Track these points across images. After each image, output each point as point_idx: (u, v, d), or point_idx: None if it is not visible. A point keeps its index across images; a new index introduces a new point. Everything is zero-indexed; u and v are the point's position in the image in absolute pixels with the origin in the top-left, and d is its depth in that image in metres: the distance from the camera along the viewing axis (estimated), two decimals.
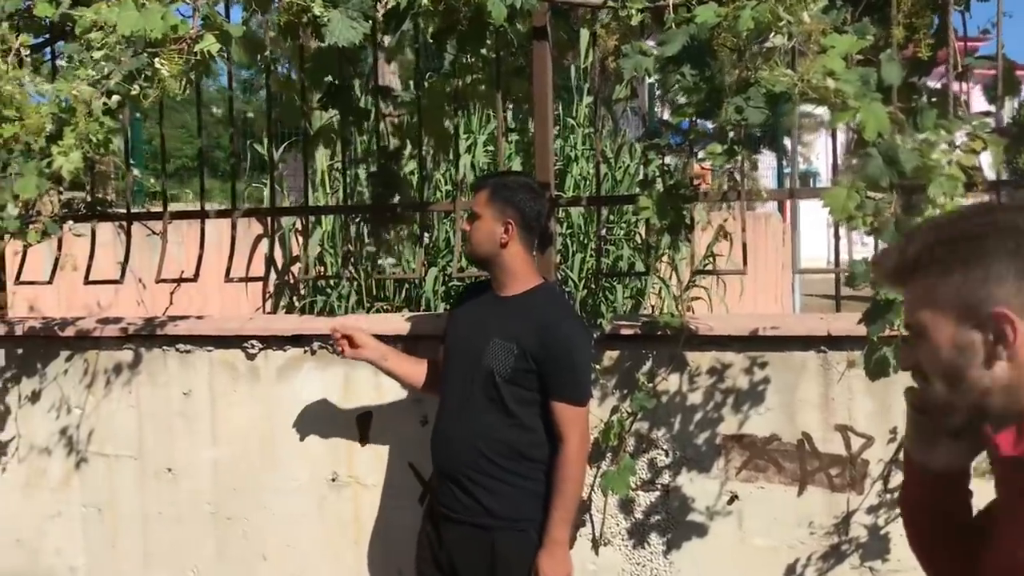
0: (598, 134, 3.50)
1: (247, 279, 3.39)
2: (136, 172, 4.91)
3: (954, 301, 1.21)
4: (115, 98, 2.62)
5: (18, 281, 3.60)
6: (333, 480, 3.22)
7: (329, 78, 3.29)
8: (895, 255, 1.30)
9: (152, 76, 2.95)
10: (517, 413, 2.57)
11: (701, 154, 2.66)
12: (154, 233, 3.54)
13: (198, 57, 3.00)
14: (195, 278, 3.35)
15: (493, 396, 2.58)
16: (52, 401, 3.46)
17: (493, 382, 2.58)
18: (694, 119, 2.62)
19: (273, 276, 4.90)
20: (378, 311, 5.38)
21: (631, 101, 6.90)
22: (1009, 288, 1.18)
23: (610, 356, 2.89)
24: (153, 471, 3.39)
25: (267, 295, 6.71)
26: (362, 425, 3.19)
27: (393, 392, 3.15)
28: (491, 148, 6.04)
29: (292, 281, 6.49)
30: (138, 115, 6.07)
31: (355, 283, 5.94)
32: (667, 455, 2.89)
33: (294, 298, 6.57)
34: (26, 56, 3.14)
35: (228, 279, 3.32)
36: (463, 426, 2.61)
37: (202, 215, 3.37)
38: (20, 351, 3.49)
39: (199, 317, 3.40)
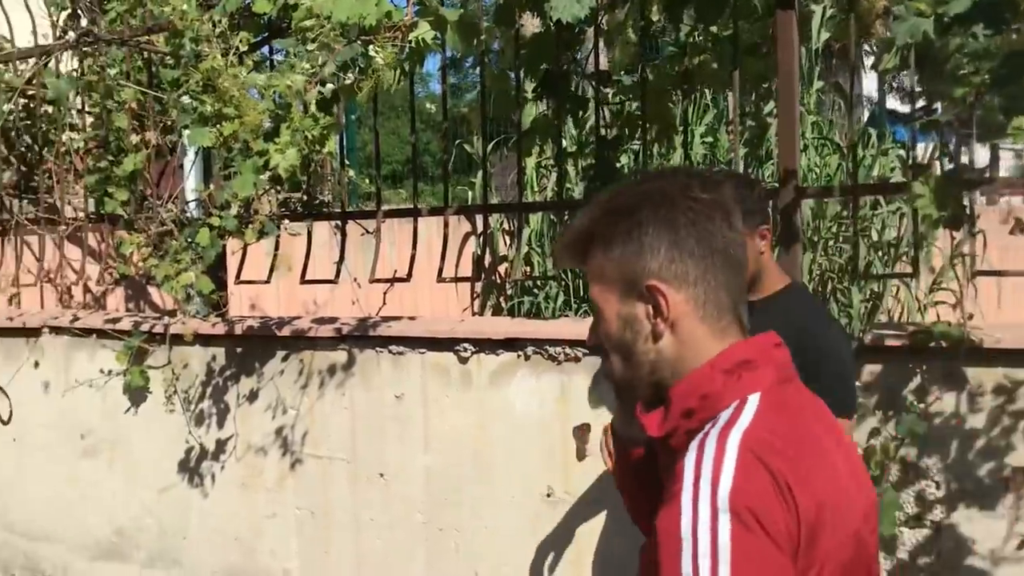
0: (846, 118, 3.10)
1: (457, 279, 3.22)
2: (351, 172, 4.91)
3: (616, 275, 1.20)
4: (328, 87, 2.49)
5: (238, 280, 3.62)
6: (548, 496, 2.99)
7: (545, 65, 3.09)
8: (569, 232, 1.28)
9: (366, 66, 2.83)
10: None
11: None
12: (368, 232, 3.46)
13: (412, 45, 2.85)
14: (408, 278, 3.22)
15: None
16: (269, 401, 3.44)
17: None
18: (981, 91, 2.20)
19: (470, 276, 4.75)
20: (586, 313, 5.15)
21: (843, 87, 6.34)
22: (662, 259, 1.17)
23: (871, 371, 2.49)
24: (366, 476, 3.29)
25: (474, 295, 6.64)
26: (580, 438, 2.95)
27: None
28: (708, 140, 5.68)
29: (500, 281, 6.37)
30: (353, 116, 6.14)
31: (563, 284, 5.74)
32: (939, 487, 2.47)
33: (501, 299, 6.46)
34: (244, 54, 3.11)
35: (440, 279, 3.17)
36: None
37: (415, 212, 3.25)
38: (239, 350, 3.49)
39: (411, 318, 3.27)
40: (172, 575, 3.70)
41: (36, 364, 3.97)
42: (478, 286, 6.41)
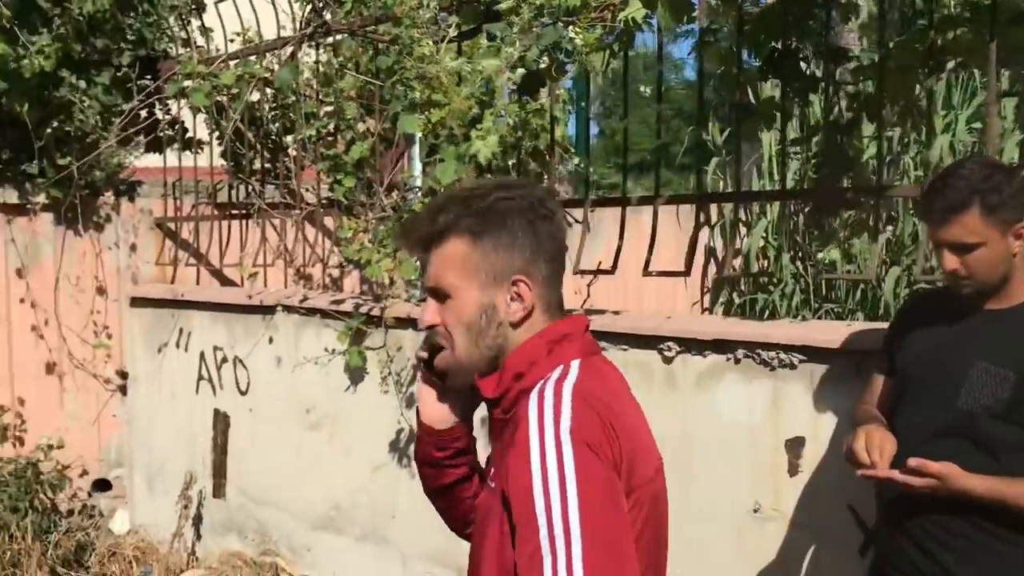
0: None
1: (666, 273, 3.03)
2: (575, 160, 4.82)
3: (483, 266, 1.40)
4: (518, 71, 2.40)
5: None
6: (755, 511, 2.75)
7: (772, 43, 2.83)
8: (426, 223, 1.44)
9: (572, 49, 2.71)
10: (1008, 461, 1.96)
11: None
12: (577, 222, 3.34)
13: (622, 26, 2.69)
14: (612, 270, 3.07)
15: (974, 436, 2.00)
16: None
17: (974, 419, 1.99)
18: None
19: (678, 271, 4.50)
20: (826, 314, 4.76)
21: None
22: (527, 259, 1.41)
23: None
24: None
25: (704, 290, 6.35)
26: (793, 451, 2.69)
27: (833, 415, 2.61)
28: (976, 126, 5.07)
29: (732, 276, 6.06)
30: (582, 104, 6.04)
31: (801, 280, 5.35)
32: None
33: (734, 294, 6.14)
34: (456, 39, 3.08)
35: (647, 272, 2.99)
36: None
37: (623, 202, 3.09)
38: None
39: (616, 312, 3.12)
40: (380, 552, 3.80)
41: (270, 340, 4.20)
42: (709, 281, 6.13)
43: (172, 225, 4.97)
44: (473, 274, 1.41)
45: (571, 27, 2.49)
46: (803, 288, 5.47)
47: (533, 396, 1.36)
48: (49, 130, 4.46)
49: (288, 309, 4.10)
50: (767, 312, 5.68)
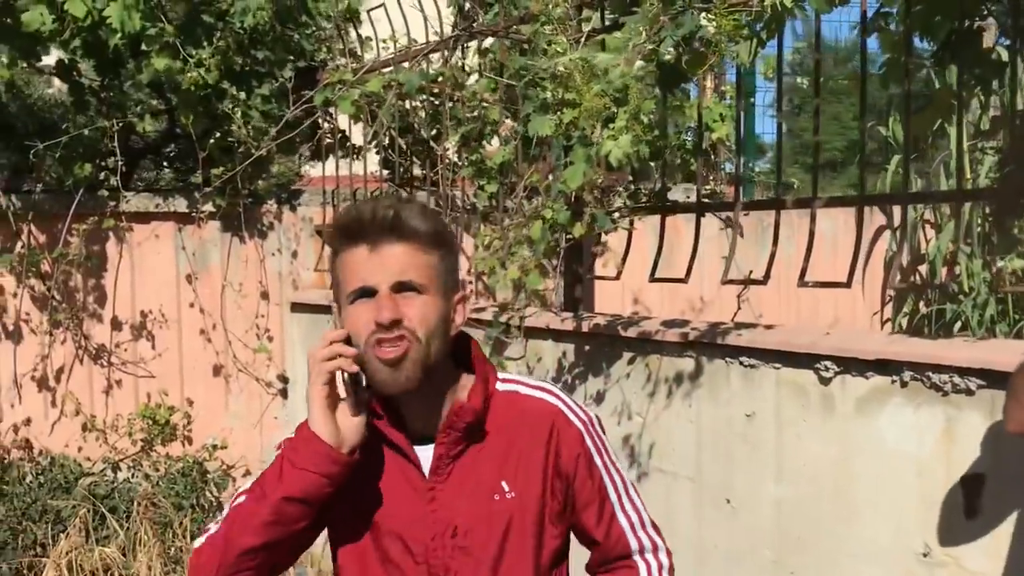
0: None
1: (824, 284, 2.72)
2: (731, 157, 4.54)
3: (444, 275, 1.48)
4: (638, 64, 2.20)
5: (591, 275, 3.45)
6: (925, 555, 2.42)
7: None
8: (420, 218, 1.46)
9: (711, 40, 2.48)
10: None
11: None
12: (728, 226, 3.09)
13: (769, 11, 2.43)
14: (764, 280, 2.80)
15: None
16: (615, 404, 3.23)
17: None
18: None
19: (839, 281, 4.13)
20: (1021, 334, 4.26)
21: None
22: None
23: None
24: (711, 498, 2.95)
25: (886, 299, 5.87)
26: (970, 490, 2.34)
27: (1019, 450, 2.25)
28: None
29: (915, 285, 5.57)
30: (752, 100, 5.71)
31: (996, 290, 4.82)
32: None
33: (921, 304, 5.64)
34: (593, 35, 2.90)
35: (802, 283, 2.71)
36: None
37: (777, 205, 2.81)
38: (587, 348, 3.33)
39: (768, 327, 2.85)
40: None
41: None
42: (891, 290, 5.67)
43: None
44: (440, 281, 1.48)
45: (706, 15, 2.26)
46: (1001, 298, 4.94)
47: (546, 395, 1.56)
48: (212, 141, 4.61)
49: None
50: (958, 325, 5.17)
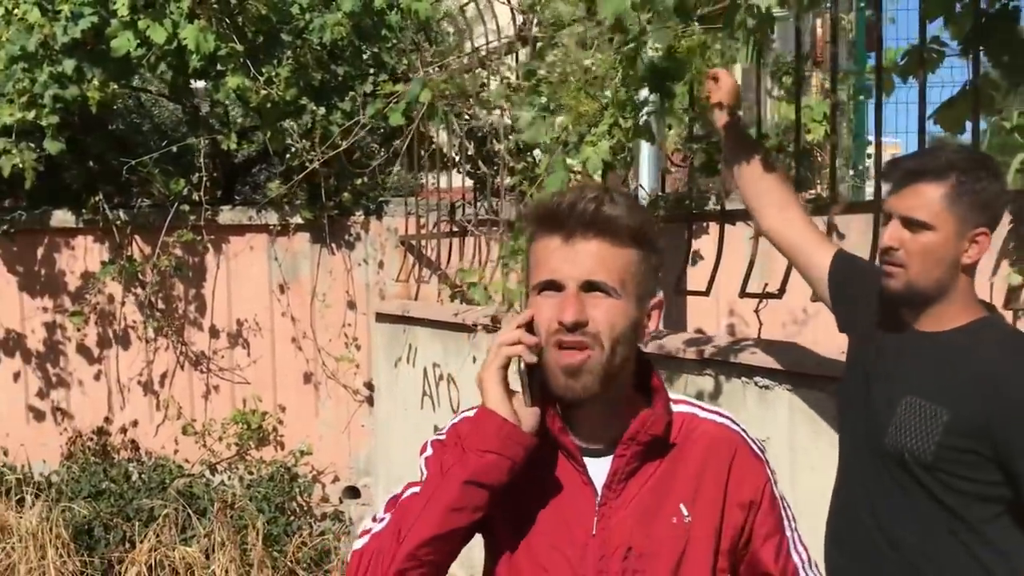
0: None
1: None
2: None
3: (645, 279, 1.35)
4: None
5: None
6: None
7: None
8: (625, 212, 1.32)
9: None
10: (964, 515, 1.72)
11: None
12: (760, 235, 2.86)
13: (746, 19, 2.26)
14: (780, 293, 2.58)
15: (911, 488, 1.76)
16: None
17: (906, 467, 1.76)
18: None
19: None
20: None
21: None
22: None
23: None
24: None
25: None
26: None
27: None
28: None
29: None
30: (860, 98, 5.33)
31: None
32: None
33: None
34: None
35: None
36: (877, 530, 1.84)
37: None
38: None
39: (786, 344, 2.62)
40: None
41: (474, 359, 4.11)
42: None
43: (414, 242, 5.09)
44: (636, 283, 1.37)
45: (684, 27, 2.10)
46: None
47: (726, 421, 1.46)
48: (288, 155, 4.74)
49: (487, 328, 3.98)
50: None
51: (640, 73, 2.34)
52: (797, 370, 2.43)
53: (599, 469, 1.38)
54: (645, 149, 4.06)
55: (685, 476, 1.38)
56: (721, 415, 1.46)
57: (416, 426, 4.69)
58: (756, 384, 2.60)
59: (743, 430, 1.45)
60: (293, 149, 4.51)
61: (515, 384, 1.37)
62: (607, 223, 1.30)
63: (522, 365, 1.34)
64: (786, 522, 1.47)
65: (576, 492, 1.38)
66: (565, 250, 1.30)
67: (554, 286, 1.31)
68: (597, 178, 2.40)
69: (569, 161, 2.49)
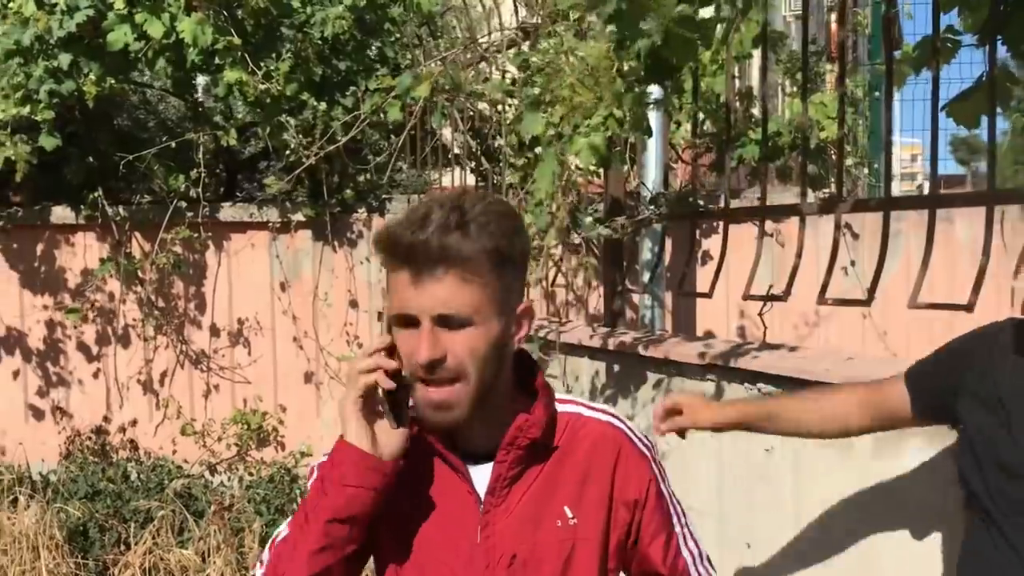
0: None
1: (937, 306, 2.21)
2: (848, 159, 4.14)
3: (507, 295, 1.32)
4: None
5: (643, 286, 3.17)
6: None
7: None
8: (477, 235, 1.27)
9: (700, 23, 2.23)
10: None
11: None
12: (767, 234, 2.74)
13: None
14: (784, 296, 2.46)
15: None
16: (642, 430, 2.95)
17: None
18: None
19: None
20: None
21: None
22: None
23: None
24: (731, 540, 2.63)
25: None
26: None
27: None
28: None
29: None
30: (877, 93, 5.20)
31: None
32: None
33: None
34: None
35: (822, 300, 2.35)
36: None
37: (889, 205, 2.44)
38: (616, 367, 3.06)
39: (792, 348, 2.50)
40: None
41: None
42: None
43: None
44: (492, 301, 1.32)
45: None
46: None
47: (611, 419, 1.44)
48: (287, 151, 4.64)
49: None
50: None
51: (631, 58, 2.23)
52: (801, 376, 2.31)
53: (483, 476, 1.37)
54: (652, 144, 3.97)
55: (570, 478, 1.38)
56: (606, 412, 1.45)
57: None
58: (759, 390, 2.48)
59: (628, 427, 1.45)
60: (292, 145, 4.42)
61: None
62: (456, 257, 1.25)
63: (380, 392, 1.32)
64: (675, 518, 1.48)
65: (461, 502, 1.37)
66: (414, 286, 1.26)
67: (409, 320, 1.28)
68: (591, 170, 2.29)
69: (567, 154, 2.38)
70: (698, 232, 4.34)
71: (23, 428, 5.17)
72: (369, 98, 4.17)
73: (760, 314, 2.53)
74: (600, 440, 1.41)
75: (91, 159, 5.11)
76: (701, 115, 3.99)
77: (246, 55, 4.20)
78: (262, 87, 4.26)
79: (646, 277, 3.91)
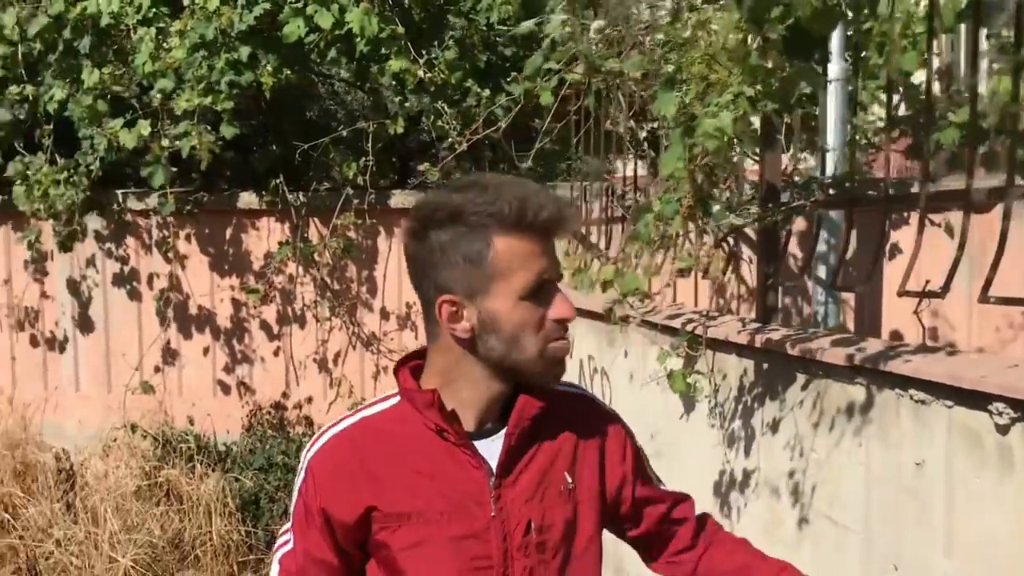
0: None
1: (1011, 300, 2.05)
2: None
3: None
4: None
5: (835, 285, 2.94)
6: None
7: None
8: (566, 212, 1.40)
9: None
10: None
11: None
12: (934, 224, 2.46)
13: None
14: (942, 292, 2.19)
15: None
16: (788, 436, 2.74)
17: None
18: None
19: None
20: None
21: None
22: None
23: None
24: (878, 560, 2.38)
25: None
26: None
27: None
28: None
29: None
30: None
31: None
32: None
33: None
34: None
35: (984, 298, 2.07)
36: None
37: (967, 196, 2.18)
38: (766, 366, 2.85)
39: (951, 352, 2.23)
40: None
41: (625, 354, 3.89)
42: None
43: (580, 228, 4.90)
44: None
45: None
46: None
47: (581, 392, 1.61)
48: (447, 139, 4.67)
49: (643, 322, 3.73)
50: None
51: (776, 27, 2.04)
52: (957, 384, 2.05)
53: (487, 452, 1.43)
54: (830, 128, 3.69)
55: (565, 447, 1.49)
56: (574, 386, 1.60)
57: None
58: (911, 398, 2.23)
59: (595, 397, 1.64)
60: (450, 132, 4.44)
61: None
62: (568, 225, 1.40)
63: None
64: (645, 462, 1.63)
65: (470, 477, 1.41)
66: (546, 254, 1.37)
67: (544, 287, 1.36)
68: (718, 154, 2.12)
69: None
70: (887, 223, 4.01)
71: (211, 401, 5.52)
72: (522, 82, 4.11)
73: (916, 312, 2.26)
74: (580, 412, 1.54)
75: (276, 147, 5.37)
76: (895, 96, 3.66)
77: (410, 44, 4.25)
78: (425, 75, 4.30)
79: (821, 271, 3.63)
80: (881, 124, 3.98)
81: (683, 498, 1.68)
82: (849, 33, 3.48)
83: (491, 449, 1.43)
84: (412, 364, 1.50)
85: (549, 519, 1.45)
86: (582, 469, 1.50)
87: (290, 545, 1.47)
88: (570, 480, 1.48)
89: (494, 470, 1.42)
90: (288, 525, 1.49)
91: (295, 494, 1.47)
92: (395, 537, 1.40)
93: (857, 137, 3.69)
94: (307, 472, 1.45)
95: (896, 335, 4.13)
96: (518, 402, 1.42)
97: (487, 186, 1.36)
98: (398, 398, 1.49)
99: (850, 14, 2.19)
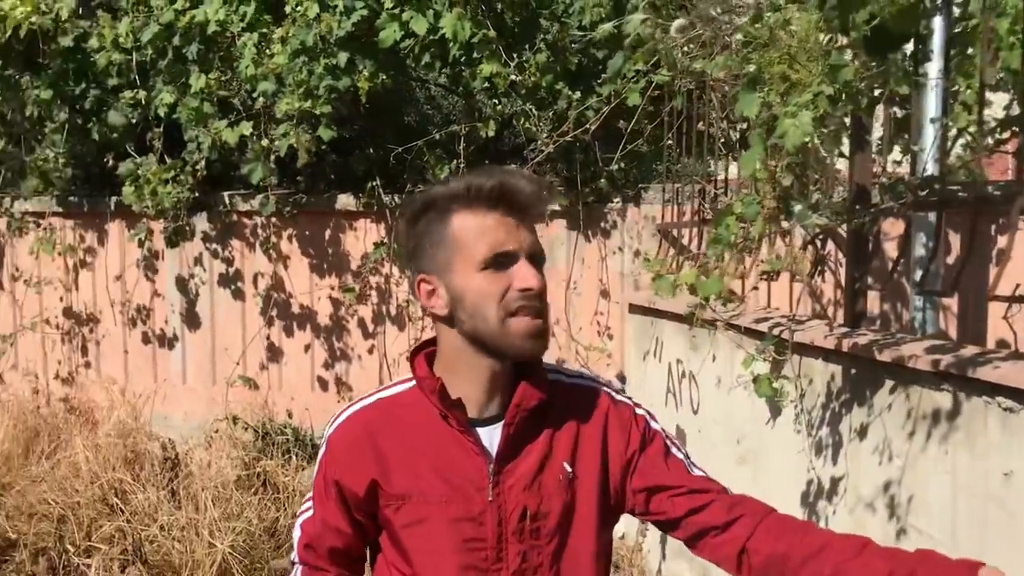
0: None
1: None
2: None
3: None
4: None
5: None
6: None
7: None
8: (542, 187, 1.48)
9: None
10: None
11: None
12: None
13: None
14: None
15: None
16: (876, 442, 2.68)
17: None
18: None
19: None
20: None
21: None
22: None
23: None
24: None
25: None
26: None
27: None
28: None
29: None
30: None
31: None
32: None
33: None
34: None
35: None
36: None
37: None
38: (853, 371, 2.79)
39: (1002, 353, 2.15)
40: None
41: (714, 358, 3.85)
42: None
43: (672, 231, 4.87)
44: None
45: None
46: None
47: (590, 383, 1.60)
48: (536, 142, 4.71)
49: (729, 325, 3.69)
50: None
51: (860, 26, 2.02)
52: None
53: (487, 439, 1.47)
54: (928, 128, 3.59)
55: (566, 436, 1.51)
56: (584, 377, 1.60)
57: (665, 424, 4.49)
58: (999, 405, 2.16)
59: (607, 387, 1.61)
60: (539, 135, 4.48)
61: None
62: (544, 207, 1.48)
63: None
64: (667, 442, 1.59)
65: (470, 463, 1.47)
66: (516, 228, 1.42)
67: (507, 258, 1.41)
68: (799, 154, 2.10)
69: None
70: (993, 227, 3.87)
71: (309, 395, 5.70)
72: (608, 84, 4.12)
73: (1005, 317, 2.19)
74: (587, 401, 1.55)
75: (373, 151, 5.51)
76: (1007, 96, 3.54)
77: (502, 48, 4.31)
78: (517, 78, 4.35)
79: (917, 275, 3.55)
80: (989, 124, 3.84)
81: (711, 483, 1.60)
82: (957, 30, 3.38)
83: (494, 436, 1.48)
84: (428, 351, 1.54)
85: (546, 507, 1.48)
86: (583, 459, 1.52)
87: (310, 512, 1.57)
88: (570, 470, 1.50)
89: (494, 457, 1.47)
90: (310, 494, 1.59)
91: (316, 466, 1.57)
92: (398, 515, 1.48)
93: (956, 137, 3.58)
94: (326, 446, 1.54)
95: (1003, 344, 3.99)
96: (518, 391, 1.46)
97: (465, 176, 1.47)
98: (414, 382, 1.54)
99: (940, 12, 2.13)
